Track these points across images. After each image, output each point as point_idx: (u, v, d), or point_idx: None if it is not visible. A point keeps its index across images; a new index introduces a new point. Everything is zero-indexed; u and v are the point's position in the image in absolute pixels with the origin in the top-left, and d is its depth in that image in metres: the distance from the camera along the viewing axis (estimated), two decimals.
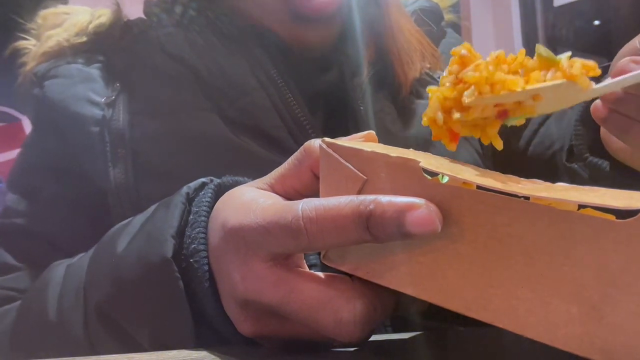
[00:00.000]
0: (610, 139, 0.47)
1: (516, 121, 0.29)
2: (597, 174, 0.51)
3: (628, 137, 0.39)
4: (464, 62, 0.28)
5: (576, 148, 0.53)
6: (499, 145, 0.30)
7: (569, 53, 0.29)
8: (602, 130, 0.48)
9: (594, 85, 0.30)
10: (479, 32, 2.71)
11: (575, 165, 0.54)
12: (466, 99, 0.27)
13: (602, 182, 0.51)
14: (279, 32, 0.55)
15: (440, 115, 0.28)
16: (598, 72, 0.29)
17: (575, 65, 0.28)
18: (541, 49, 0.29)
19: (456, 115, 0.28)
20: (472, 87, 0.27)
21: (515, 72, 0.28)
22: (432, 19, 0.66)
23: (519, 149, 0.65)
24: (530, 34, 2.79)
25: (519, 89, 0.27)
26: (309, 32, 0.55)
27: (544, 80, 0.28)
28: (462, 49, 0.28)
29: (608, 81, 0.32)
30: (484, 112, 0.28)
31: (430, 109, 0.29)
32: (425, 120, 0.29)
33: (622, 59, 0.34)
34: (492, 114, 0.28)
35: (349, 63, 0.56)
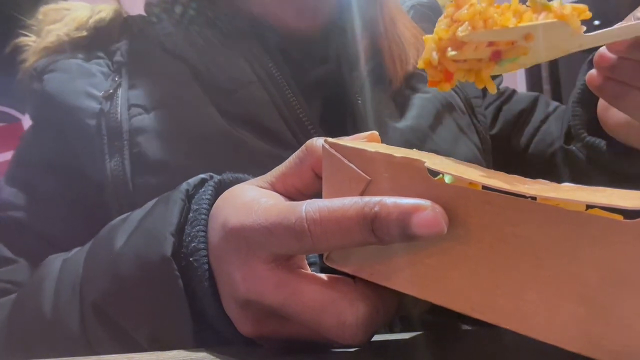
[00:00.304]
0: (607, 117, 0.47)
1: (509, 64, 0.30)
2: (595, 154, 0.52)
3: (624, 103, 0.39)
4: (459, 5, 0.28)
5: (574, 128, 0.54)
6: (492, 89, 0.30)
7: (560, 0, 0.30)
8: (599, 109, 0.49)
9: (584, 30, 0.30)
10: None
11: (574, 147, 0.55)
12: (460, 33, 0.27)
13: (599, 163, 0.52)
14: (277, 27, 0.55)
15: (435, 55, 0.29)
16: (589, 14, 0.30)
17: (567, 7, 0.29)
18: None
19: (451, 52, 0.28)
20: (466, 22, 0.27)
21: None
22: (431, 14, 0.66)
23: (520, 147, 0.65)
24: None
25: (511, 25, 0.27)
26: (300, 15, 0.55)
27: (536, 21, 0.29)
28: None
29: (600, 30, 0.33)
30: (478, 51, 0.28)
31: (426, 51, 0.29)
32: (421, 63, 0.30)
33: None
34: (486, 55, 0.29)
35: (347, 55, 0.56)
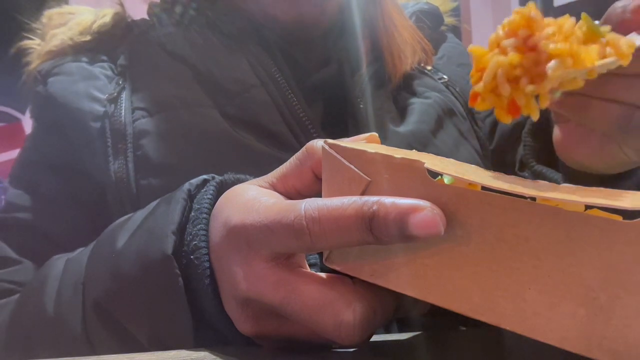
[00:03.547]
0: (566, 149, 0.45)
1: (558, 93, 0.29)
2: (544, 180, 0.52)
3: (585, 115, 0.38)
4: (530, 26, 0.26)
5: (524, 157, 0.55)
6: (536, 116, 0.28)
7: (609, 27, 0.29)
8: (557, 140, 0.47)
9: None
10: (479, 34, 2.70)
11: (526, 174, 0.56)
12: (552, 72, 0.25)
13: None
14: (277, 28, 0.55)
15: (507, 87, 0.26)
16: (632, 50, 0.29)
17: (623, 42, 0.28)
18: (589, 20, 0.28)
19: (530, 87, 0.26)
20: (557, 60, 0.25)
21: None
22: (432, 21, 0.67)
23: (515, 163, 0.65)
24: None
25: (592, 64, 0.26)
26: (302, 8, 0.55)
27: (601, 57, 0.28)
28: (531, 11, 0.26)
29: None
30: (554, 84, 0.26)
31: (489, 72, 0.26)
32: (481, 87, 0.27)
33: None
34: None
35: (348, 58, 0.56)
